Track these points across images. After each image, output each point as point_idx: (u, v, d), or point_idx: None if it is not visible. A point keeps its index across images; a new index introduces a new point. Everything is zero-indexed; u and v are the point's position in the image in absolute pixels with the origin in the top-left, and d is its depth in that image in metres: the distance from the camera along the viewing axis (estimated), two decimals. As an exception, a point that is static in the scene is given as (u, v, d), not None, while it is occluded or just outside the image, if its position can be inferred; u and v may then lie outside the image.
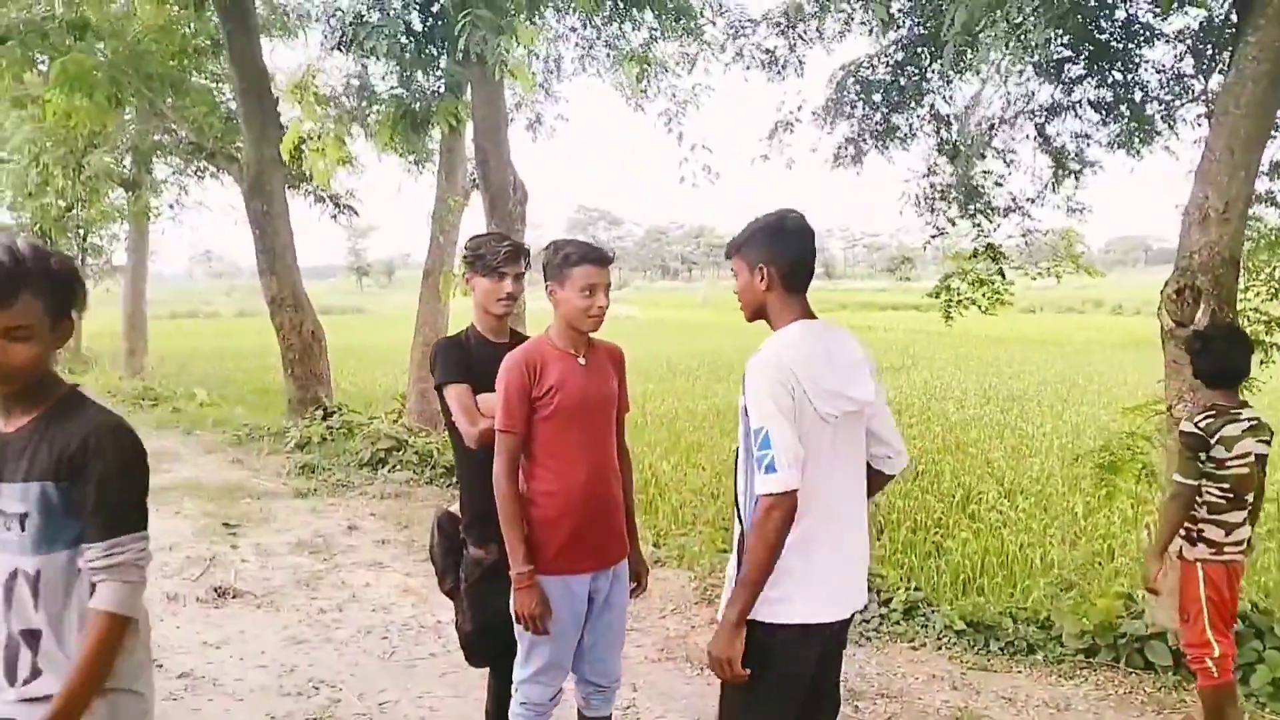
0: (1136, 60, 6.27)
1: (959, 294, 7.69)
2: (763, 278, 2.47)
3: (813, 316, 2.50)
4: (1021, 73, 6.64)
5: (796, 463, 2.27)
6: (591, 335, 3.04)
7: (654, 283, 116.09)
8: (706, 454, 12.27)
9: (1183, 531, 3.69)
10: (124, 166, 16.82)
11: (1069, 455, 11.30)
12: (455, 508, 3.31)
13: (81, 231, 21.15)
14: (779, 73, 7.42)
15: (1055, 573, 6.57)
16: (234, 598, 5.45)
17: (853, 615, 2.56)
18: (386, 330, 32.59)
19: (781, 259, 2.48)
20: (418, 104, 8.50)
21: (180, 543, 6.51)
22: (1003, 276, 7.59)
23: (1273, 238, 6.08)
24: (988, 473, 11.13)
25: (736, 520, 2.46)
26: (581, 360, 2.97)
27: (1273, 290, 5.98)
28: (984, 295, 7.61)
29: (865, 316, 48.75)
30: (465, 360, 3.15)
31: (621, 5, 9.41)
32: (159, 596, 5.43)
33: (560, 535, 2.90)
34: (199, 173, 17.66)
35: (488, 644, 3.21)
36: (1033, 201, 7.26)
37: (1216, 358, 3.73)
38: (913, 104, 6.96)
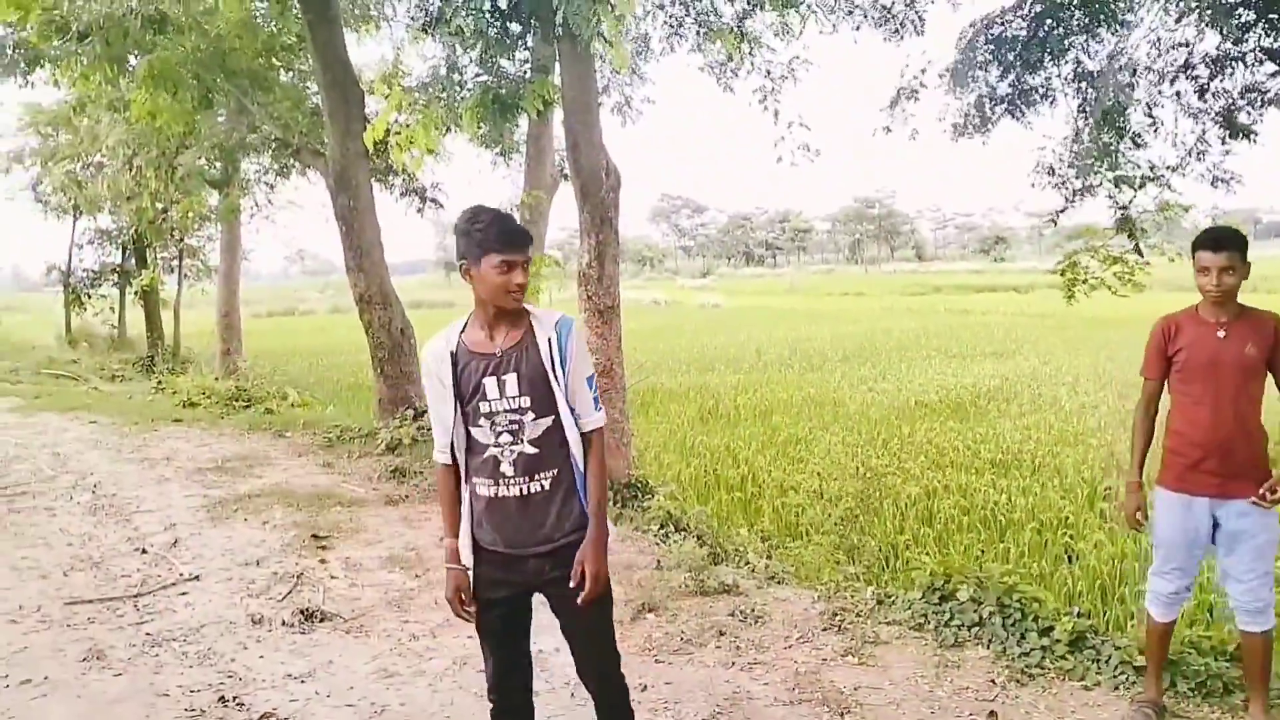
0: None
1: (1086, 272, 6.95)
2: None
3: None
4: (1179, 20, 5.89)
5: None
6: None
7: (739, 269, 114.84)
8: (807, 448, 11.68)
9: None
10: (214, 166, 16.88)
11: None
12: None
13: (176, 233, 21.51)
14: (897, 31, 6.76)
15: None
16: (321, 621, 5.05)
17: None
18: (474, 324, 32.69)
19: None
20: (504, 88, 8.07)
21: (268, 557, 6.18)
22: (1139, 254, 6.82)
23: None
24: (1113, 465, 10.32)
25: None
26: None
27: None
28: (1115, 274, 6.86)
29: (961, 300, 47.32)
30: None
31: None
32: (243, 619, 5.09)
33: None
34: (284, 171, 17.65)
35: None
36: (1174, 170, 6.48)
37: None
38: (1051, 62, 6.22)
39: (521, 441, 2.78)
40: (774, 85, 9.89)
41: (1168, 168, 6.50)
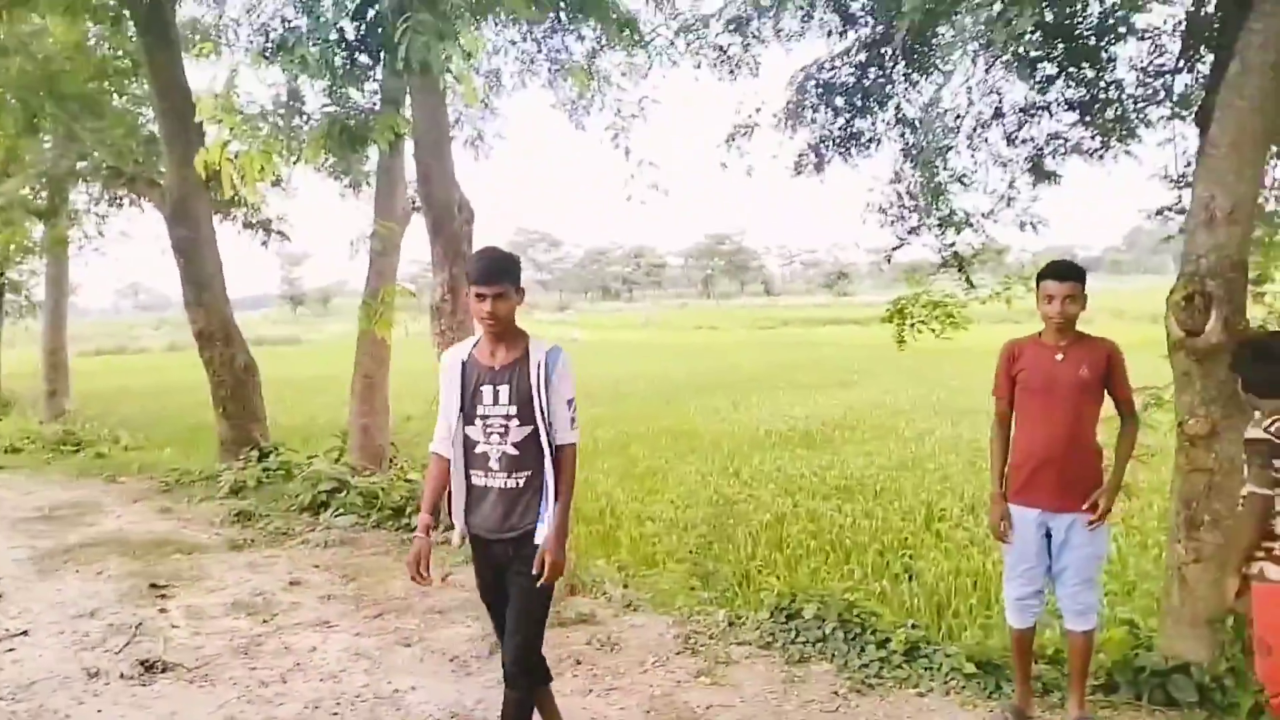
0: (1110, 58, 6.04)
1: (912, 317, 7.40)
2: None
3: None
4: (989, 71, 6.39)
5: None
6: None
7: (595, 304, 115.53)
8: (663, 479, 11.88)
9: (1261, 551, 3.37)
10: (38, 195, 15.93)
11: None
12: None
13: (-3, 266, 20.11)
14: (732, 73, 7.08)
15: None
16: (163, 672, 4.83)
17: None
18: (325, 360, 31.72)
19: None
20: (353, 119, 7.97)
21: (102, 608, 5.86)
22: (971, 285, 7.29)
23: None
24: (947, 488, 10.93)
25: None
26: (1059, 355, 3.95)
27: None
28: (936, 318, 7.32)
29: (807, 333, 49.04)
30: None
31: (564, 17, 9.01)
32: (78, 673, 4.82)
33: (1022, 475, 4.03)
34: (117, 200, 16.81)
35: None
36: (986, 216, 6.98)
37: (1276, 366, 3.44)
38: (876, 107, 6.64)
39: (506, 443, 3.31)
40: (624, 123, 10.14)
41: (982, 214, 6.96)
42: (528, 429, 3.30)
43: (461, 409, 3.36)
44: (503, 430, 3.31)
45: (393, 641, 5.25)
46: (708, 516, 9.53)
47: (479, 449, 3.35)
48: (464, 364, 3.39)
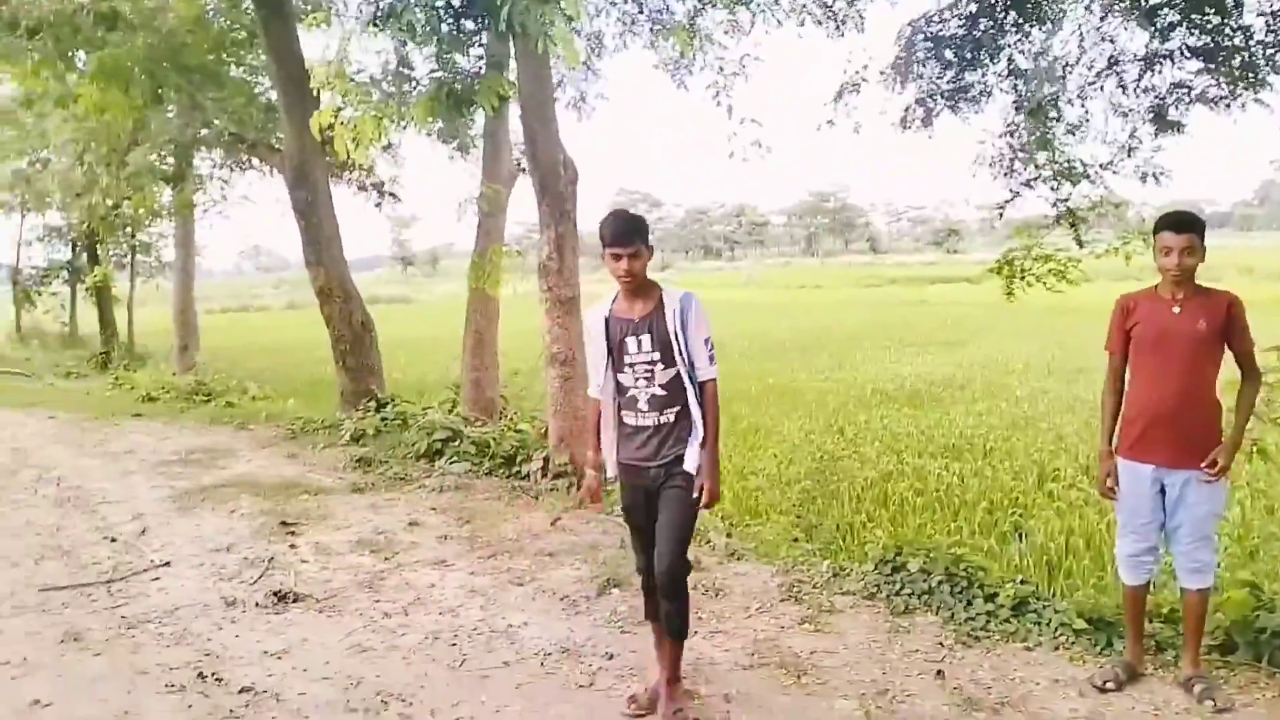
0: (1236, 3, 5.74)
1: (1023, 270, 7.22)
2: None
3: None
4: (1104, 18, 6.16)
5: None
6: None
7: (696, 263, 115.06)
8: (766, 435, 11.91)
9: None
10: (165, 162, 16.71)
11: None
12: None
13: (129, 229, 21.26)
14: (838, 28, 6.98)
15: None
16: (294, 602, 5.17)
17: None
18: (434, 319, 32.58)
19: None
20: (459, 84, 8.14)
21: (237, 543, 6.27)
22: (1080, 244, 7.07)
23: None
24: (1061, 448, 10.66)
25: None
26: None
27: None
28: (1050, 271, 7.13)
29: (916, 291, 47.91)
30: None
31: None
32: (217, 601, 5.19)
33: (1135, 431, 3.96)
34: (240, 165, 17.52)
35: None
36: (1105, 167, 6.73)
37: None
38: (988, 59, 6.47)
39: (654, 385, 3.69)
40: (726, 81, 10.06)
41: (1100, 165, 6.74)
42: (671, 371, 3.66)
43: (611, 359, 3.74)
44: (648, 375, 3.68)
45: (506, 580, 5.48)
46: (811, 472, 9.54)
47: (629, 393, 3.73)
48: (606, 320, 3.75)
